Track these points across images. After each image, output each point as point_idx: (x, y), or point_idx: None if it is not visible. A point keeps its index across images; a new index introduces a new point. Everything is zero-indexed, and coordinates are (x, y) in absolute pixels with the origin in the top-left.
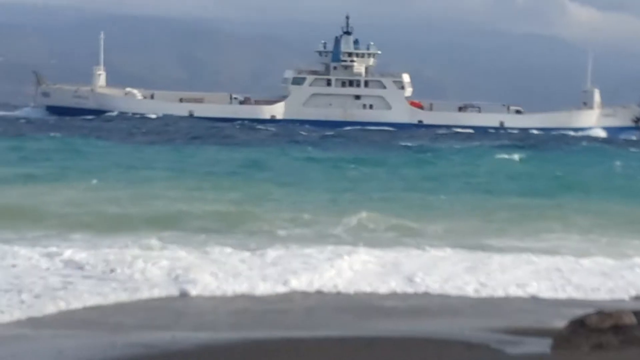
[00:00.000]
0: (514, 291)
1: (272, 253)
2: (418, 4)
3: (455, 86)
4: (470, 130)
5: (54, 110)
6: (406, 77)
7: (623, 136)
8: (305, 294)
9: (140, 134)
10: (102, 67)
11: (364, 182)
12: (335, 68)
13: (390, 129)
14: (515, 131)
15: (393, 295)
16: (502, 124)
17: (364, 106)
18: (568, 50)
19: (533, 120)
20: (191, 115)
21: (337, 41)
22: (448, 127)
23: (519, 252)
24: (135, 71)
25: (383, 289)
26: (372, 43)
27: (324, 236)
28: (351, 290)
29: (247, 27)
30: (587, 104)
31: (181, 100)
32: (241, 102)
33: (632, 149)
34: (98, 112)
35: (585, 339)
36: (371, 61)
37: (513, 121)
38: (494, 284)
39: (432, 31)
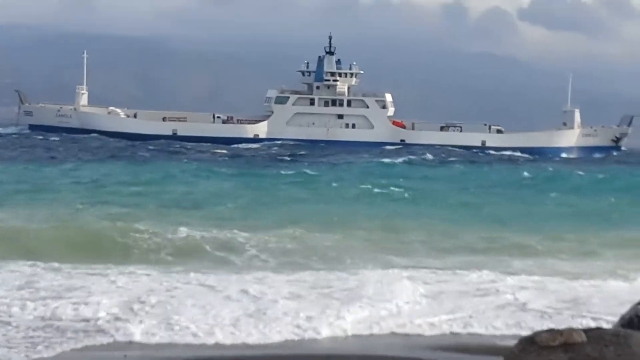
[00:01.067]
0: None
1: None
2: (370, 23)
3: (417, 105)
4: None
5: (36, 129)
6: (389, 97)
7: (597, 155)
8: None
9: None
10: (84, 86)
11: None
12: (318, 87)
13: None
14: (494, 151)
15: None
16: (483, 143)
17: (347, 125)
18: (521, 69)
19: (514, 140)
20: (174, 134)
21: (320, 61)
22: (430, 146)
23: None
24: (90, 89)
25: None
26: (354, 63)
27: None
28: None
29: (205, 46)
30: (566, 124)
31: (164, 119)
32: (224, 121)
33: (588, 167)
34: (81, 131)
35: (536, 357)
36: (354, 81)
37: (494, 141)
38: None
39: (387, 50)
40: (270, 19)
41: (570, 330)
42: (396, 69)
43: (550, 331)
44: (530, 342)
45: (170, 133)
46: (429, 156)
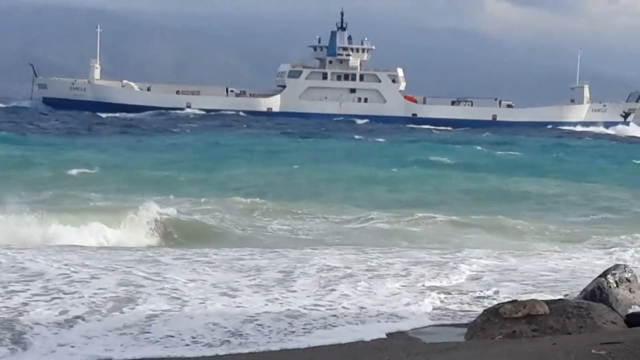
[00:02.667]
0: None
1: None
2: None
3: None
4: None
5: (50, 102)
6: (400, 72)
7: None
8: None
9: None
10: (97, 60)
11: None
12: (330, 62)
13: None
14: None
15: None
16: (494, 117)
17: (359, 99)
18: (486, 44)
19: (524, 114)
20: (188, 107)
21: (333, 36)
22: (441, 120)
23: None
24: (59, 62)
25: None
26: (366, 39)
27: None
28: None
29: (170, 19)
30: (574, 101)
31: (178, 92)
32: (237, 95)
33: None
34: (95, 104)
35: (499, 328)
36: (365, 56)
37: (505, 115)
38: None
39: (362, 28)
40: None
41: (533, 302)
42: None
43: (514, 302)
44: (494, 314)
45: (184, 106)
46: None
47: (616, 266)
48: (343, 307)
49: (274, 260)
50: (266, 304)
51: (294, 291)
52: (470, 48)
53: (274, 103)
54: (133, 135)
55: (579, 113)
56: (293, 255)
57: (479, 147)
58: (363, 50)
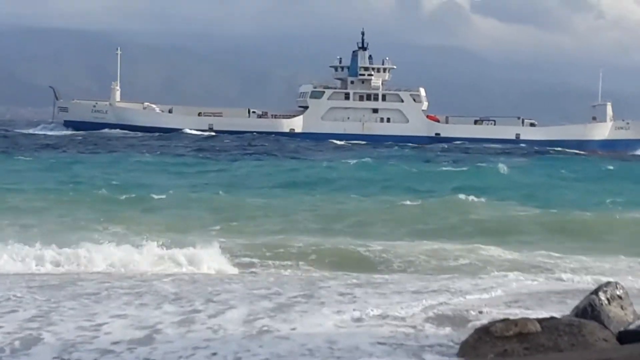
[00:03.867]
0: None
1: None
2: (322, 14)
3: None
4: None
5: (72, 125)
6: (422, 91)
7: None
8: None
9: None
10: (118, 82)
11: None
12: (352, 82)
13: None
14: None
15: None
16: (518, 136)
17: (382, 119)
18: (474, 61)
19: (548, 133)
20: (211, 129)
21: (355, 56)
22: (466, 140)
23: None
24: (45, 82)
25: None
26: (387, 58)
27: None
28: None
29: (156, 38)
30: (596, 119)
31: (200, 114)
32: (259, 116)
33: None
34: (117, 127)
35: (491, 347)
36: (387, 76)
37: (528, 134)
38: None
39: (341, 44)
40: (218, 13)
41: (525, 320)
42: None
43: (505, 321)
44: (485, 332)
45: (206, 128)
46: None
47: (608, 283)
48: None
49: None
50: None
51: None
52: (457, 65)
53: (297, 124)
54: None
55: (602, 131)
56: None
57: None
58: (384, 69)
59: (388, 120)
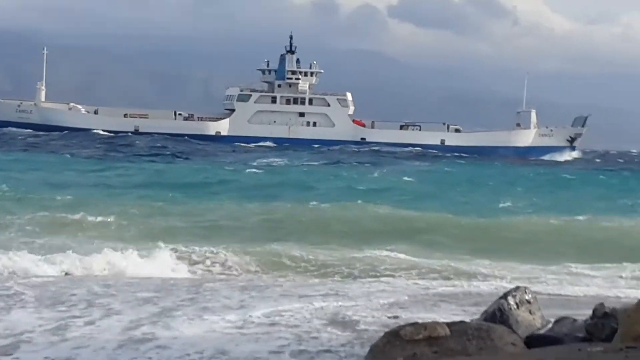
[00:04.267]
0: None
1: None
2: (237, 17)
3: None
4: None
5: None
6: (349, 96)
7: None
8: None
9: None
10: (44, 82)
11: None
12: (279, 86)
13: None
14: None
15: None
16: (443, 142)
17: (308, 123)
18: (392, 65)
19: (472, 139)
20: (137, 131)
21: (282, 59)
22: (391, 144)
23: None
24: None
25: None
26: (314, 62)
27: None
28: None
29: (73, 38)
30: (520, 125)
31: (126, 115)
32: (185, 118)
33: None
34: (42, 127)
35: (400, 350)
36: (314, 79)
37: (454, 139)
38: None
39: (261, 47)
40: (137, 13)
41: (434, 324)
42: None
43: (415, 324)
44: (395, 336)
45: (132, 129)
46: None
47: (517, 288)
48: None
49: None
50: None
51: None
52: (375, 69)
53: (223, 127)
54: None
55: (526, 138)
56: None
57: None
58: (312, 73)
59: (314, 124)
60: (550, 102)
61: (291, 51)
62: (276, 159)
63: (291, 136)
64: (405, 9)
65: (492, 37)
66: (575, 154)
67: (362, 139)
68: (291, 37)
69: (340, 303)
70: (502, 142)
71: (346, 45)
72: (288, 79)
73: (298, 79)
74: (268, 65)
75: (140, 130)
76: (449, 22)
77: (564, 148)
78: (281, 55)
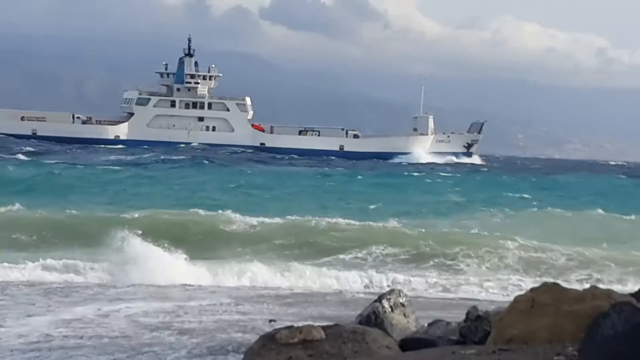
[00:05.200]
0: None
1: None
2: (109, 16)
3: None
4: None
5: None
6: (248, 100)
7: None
8: None
9: None
10: None
11: None
12: (178, 90)
13: None
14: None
15: None
16: (341, 147)
17: (207, 128)
18: (267, 67)
19: (371, 145)
20: (34, 134)
21: (181, 63)
22: (290, 150)
23: None
24: None
25: None
26: (213, 65)
27: None
28: None
29: None
30: (417, 130)
31: (23, 118)
32: (84, 122)
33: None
34: None
35: (276, 354)
36: (213, 84)
37: (352, 145)
38: None
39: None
40: (9, 11)
41: (310, 327)
42: (140, 66)
43: (290, 328)
44: (270, 339)
45: (29, 133)
46: None
47: (391, 291)
48: None
49: None
50: None
51: None
52: (251, 71)
53: (122, 131)
54: None
55: (424, 144)
56: None
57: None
58: (211, 77)
59: (214, 129)
60: (420, 105)
61: (189, 54)
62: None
63: (190, 140)
64: (276, 11)
65: (363, 40)
66: (478, 160)
67: (261, 144)
68: (189, 40)
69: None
70: (400, 148)
71: (221, 47)
72: (187, 82)
73: (197, 82)
74: (167, 68)
75: (38, 134)
76: (321, 25)
77: (461, 154)
78: (180, 58)
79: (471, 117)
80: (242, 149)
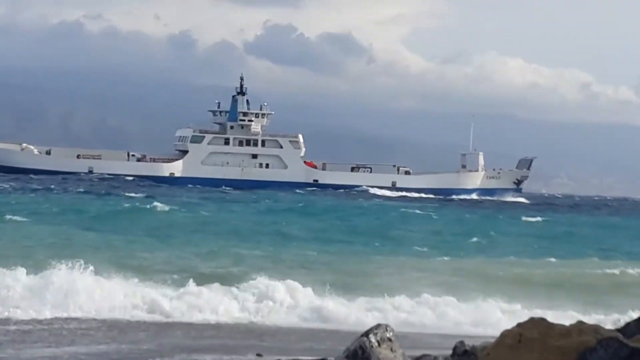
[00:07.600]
0: None
1: None
2: (96, 51)
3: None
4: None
5: None
6: (301, 138)
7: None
8: None
9: None
10: None
11: None
12: (232, 127)
13: None
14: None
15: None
16: (394, 183)
17: (261, 165)
18: (253, 101)
19: (423, 181)
20: (90, 172)
21: (235, 101)
22: (343, 186)
23: None
24: None
25: None
26: (265, 103)
27: None
28: None
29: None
30: (465, 167)
31: (79, 156)
32: (138, 159)
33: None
34: None
35: None
36: (265, 121)
37: (404, 182)
38: None
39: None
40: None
41: None
42: (123, 101)
43: None
44: None
45: (86, 170)
46: None
47: (378, 326)
48: None
49: None
50: None
51: None
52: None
53: (176, 168)
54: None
55: (474, 180)
56: None
57: None
58: (263, 115)
59: (267, 165)
60: (406, 140)
61: (242, 92)
62: None
63: (244, 177)
64: (260, 45)
65: (348, 74)
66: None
67: (314, 180)
68: (242, 78)
69: None
70: (451, 185)
71: (205, 82)
72: (240, 120)
73: (250, 120)
74: (219, 106)
75: (95, 171)
76: (305, 59)
77: (511, 190)
78: (233, 96)
79: (457, 151)
80: (295, 186)
